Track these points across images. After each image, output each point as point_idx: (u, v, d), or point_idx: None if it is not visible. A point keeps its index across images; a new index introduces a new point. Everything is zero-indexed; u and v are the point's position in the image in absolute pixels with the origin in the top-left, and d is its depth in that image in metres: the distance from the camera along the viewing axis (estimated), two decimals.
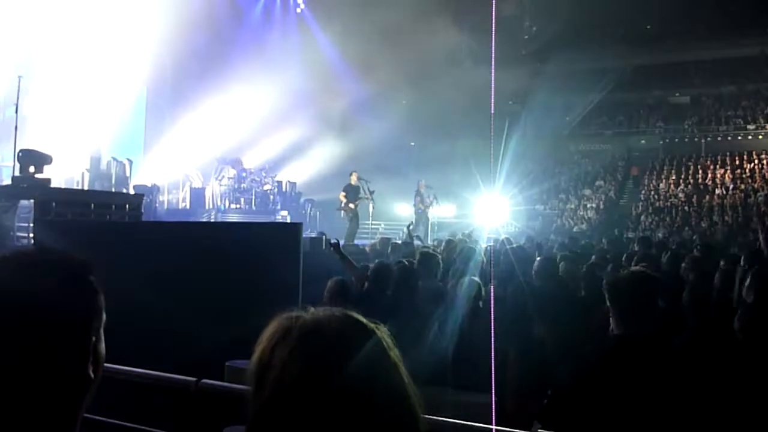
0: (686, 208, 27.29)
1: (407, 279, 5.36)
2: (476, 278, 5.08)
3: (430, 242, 13.65)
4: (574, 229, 25.19)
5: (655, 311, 3.03)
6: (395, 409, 1.03)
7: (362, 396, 0.99)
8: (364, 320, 1.10)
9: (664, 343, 3.08)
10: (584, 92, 32.48)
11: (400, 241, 11.50)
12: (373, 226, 18.13)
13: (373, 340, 1.06)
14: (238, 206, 20.82)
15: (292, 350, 1.03)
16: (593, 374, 2.91)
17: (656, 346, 2.93)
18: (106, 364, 1.27)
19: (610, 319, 3.02)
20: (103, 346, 1.24)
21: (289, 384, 1.01)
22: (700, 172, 30.02)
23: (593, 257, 7.94)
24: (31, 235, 9.11)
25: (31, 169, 9.42)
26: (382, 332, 1.10)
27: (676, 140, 32.90)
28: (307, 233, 14.45)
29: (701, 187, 28.79)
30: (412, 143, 31.32)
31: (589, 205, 28.92)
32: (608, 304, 3.05)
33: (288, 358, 1.02)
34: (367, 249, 11.94)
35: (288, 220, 19.77)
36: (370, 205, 16.85)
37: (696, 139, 32.41)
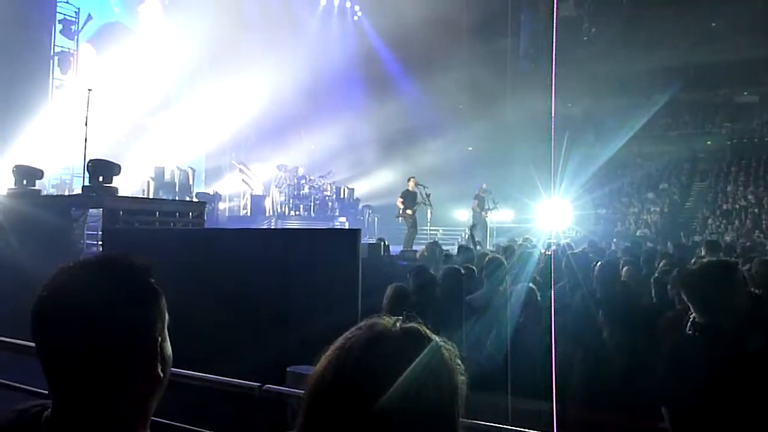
0: (756, 210, 26.28)
1: (457, 286, 5.34)
2: (531, 284, 5.02)
3: (489, 247, 13.52)
4: (637, 234, 24.56)
5: (733, 301, 3.02)
6: None
7: (397, 418, 0.94)
8: (428, 336, 1.04)
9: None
10: (647, 93, 31.70)
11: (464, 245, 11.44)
12: (431, 232, 18.06)
13: (432, 359, 1.00)
14: (297, 213, 21.08)
15: (330, 363, 1.01)
16: (685, 362, 2.98)
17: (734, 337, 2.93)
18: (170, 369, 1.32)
19: (690, 309, 3.06)
20: (168, 346, 1.29)
21: (320, 396, 1.00)
22: None
23: (662, 262, 7.71)
24: (100, 242, 9.42)
25: (100, 178, 9.70)
26: (451, 352, 1.04)
27: (745, 141, 31.73)
28: (366, 239, 14.51)
29: None
30: (470, 148, 31.13)
31: (652, 209, 28.15)
32: (685, 296, 3.09)
33: (325, 371, 1.01)
34: (417, 255, 11.94)
35: (346, 227, 19.88)
36: (428, 211, 16.80)
37: (766, 140, 31.21)
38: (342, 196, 23.42)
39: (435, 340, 1.04)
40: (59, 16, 19.45)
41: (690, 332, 3.00)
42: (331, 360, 1.01)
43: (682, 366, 2.98)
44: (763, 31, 27.76)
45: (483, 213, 17.75)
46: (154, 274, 1.28)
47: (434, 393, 0.99)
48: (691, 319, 3.04)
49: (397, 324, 1.05)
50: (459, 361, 1.05)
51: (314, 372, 1.03)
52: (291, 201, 21.32)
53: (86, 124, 11.60)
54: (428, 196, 16.40)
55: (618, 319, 4.38)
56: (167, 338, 1.29)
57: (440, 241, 12.40)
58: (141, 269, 1.27)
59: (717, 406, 2.76)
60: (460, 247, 11.42)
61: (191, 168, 19.90)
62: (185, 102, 22.46)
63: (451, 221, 22.50)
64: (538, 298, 4.88)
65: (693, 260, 7.88)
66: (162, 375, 1.25)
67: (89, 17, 20.25)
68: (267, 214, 21.02)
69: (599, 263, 6.16)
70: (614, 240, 19.54)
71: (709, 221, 26.35)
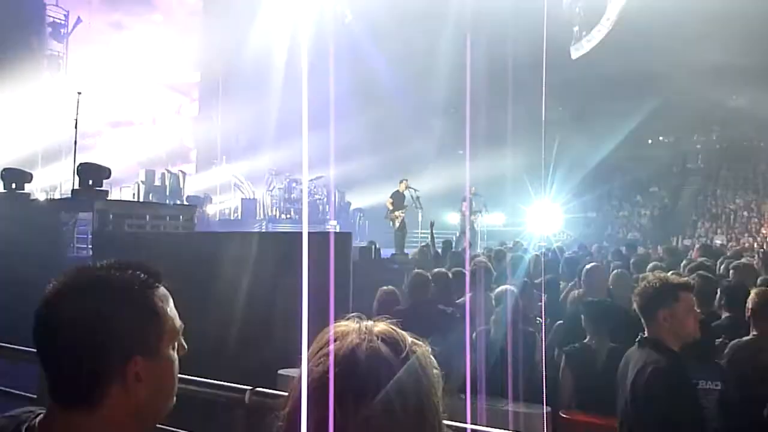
0: (745, 213, 26.45)
1: (445, 289, 5.36)
2: (514, 288, 5.02)
3: (479, 250, 13.54)
4: (628, 237, 24.65)
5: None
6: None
7: (381, 421, 0.94)
8: (403, 337, 1.04)
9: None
10: (638, 97, 31.81)
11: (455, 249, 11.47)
12: (422, 235, 18.05)
13: (407, 361, 1.00)
14: (288, 216, 21.04)
15: (310, 372, 1.00)
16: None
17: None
18: None
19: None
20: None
21: (297, 398, 0.99)
22: (760, 176, 29.08)
23: (650, 265, 7.73)
24: (91, 246, 9.37)
25: (90, 182, 9.64)
26: (423, 352, 1.04)
27: (734, 145, 31.94)
28: (357, 243, 14.50)
29: (761, 192, 27.88)
30: (461, 151, 31.17)
31: (642, 212, 28.27)
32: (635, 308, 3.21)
33: (310, 374, 1.00)
34: (409, 257, 11.99)
35: (337, 230, 19.86)
36: (419, 214, 16.80)
37: (755, 144, 31.41)
38: (333, 199, 23.39)
39: (409, 340, 1.04)
40: (48, 19, 19.38)
41: (639, 344, 3.08)
42: (311, 369, 1.01)
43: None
44: (753, 36, 27.96)
45: (472, 216, 17.75)
46: (161, 279, 1.29)
47: (415, 395, 0.99)
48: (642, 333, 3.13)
49: (373, 328, 1.05)
50: (433, 358, 1.05)
51: (295, 380, 1.03)
52: (282, 204, 21.28)
53: (76, 127, 11.56)
54: (418, 198, 16.40)
55: (607, 323, 4.39)
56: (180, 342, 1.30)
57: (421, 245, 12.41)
58: (148, 278, 1.27)
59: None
60: (445, 248, 11.47)
61: (182, 171, 19.86)
62: (175, 103, 22.40)
63: (443, 224, 22.51)
64: (520, 306, 4.87)
65: (683, 264, 7.91)
66: None
67: (78, 20, 20.19)
68: (257, 218, 20.96)
69: (586, 267, 6.16)
70: (604, 243, 19.60)
71: (699, 224, 26.50)
